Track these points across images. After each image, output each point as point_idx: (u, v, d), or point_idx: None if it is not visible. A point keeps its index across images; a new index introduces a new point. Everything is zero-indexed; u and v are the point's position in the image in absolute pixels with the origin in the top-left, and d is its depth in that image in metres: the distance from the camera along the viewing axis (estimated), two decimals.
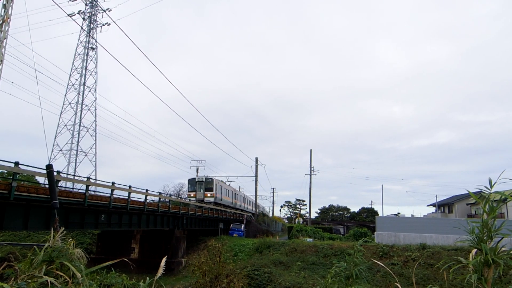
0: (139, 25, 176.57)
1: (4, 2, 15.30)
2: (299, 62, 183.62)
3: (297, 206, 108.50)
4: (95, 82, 46.09)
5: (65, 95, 44.46)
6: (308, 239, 36.85)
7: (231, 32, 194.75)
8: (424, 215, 63.22)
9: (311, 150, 63.36)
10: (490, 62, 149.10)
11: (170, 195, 50.54)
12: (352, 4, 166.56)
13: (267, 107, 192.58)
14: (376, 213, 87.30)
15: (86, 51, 45.50)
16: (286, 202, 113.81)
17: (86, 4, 44.41)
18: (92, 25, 45.01)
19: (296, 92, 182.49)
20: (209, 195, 42.07)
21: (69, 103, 43.75)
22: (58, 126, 44.38)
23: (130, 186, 21.86)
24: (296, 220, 62.35)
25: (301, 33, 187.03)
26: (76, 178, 19.43)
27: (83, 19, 44.29)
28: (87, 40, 45.32)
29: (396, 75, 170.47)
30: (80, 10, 44.25)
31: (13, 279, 3.60)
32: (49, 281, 3.49)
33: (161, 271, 5.45)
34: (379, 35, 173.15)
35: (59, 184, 17.13)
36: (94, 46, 45.82)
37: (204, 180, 43.48)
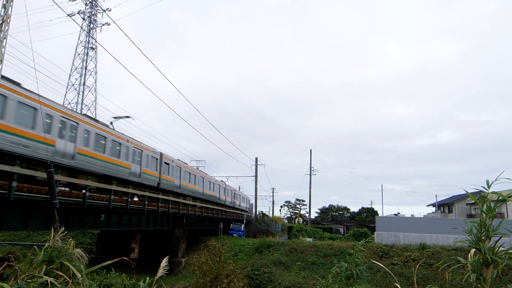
0: (142, 24, 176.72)
1: (4, 2, 15.29)
2: (302, 60, 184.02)
3: (297, 206, 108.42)
4: (95, 82, 46.10)
5: (65, 95, 44.46)
6: (308, 239, 36.86)
7: (234, 30, 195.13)
8: (424, 215, 63.18)
9: (311, 150, 63.40)
10: (494, 61, 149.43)
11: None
12: (356, 2, 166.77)
13: (269, 106, 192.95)
14: (376, 213, 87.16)
15: (86, 51, 45.49)
16: (286, 202, 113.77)
17: (86, 4, 44.39)
18: (92, 25, 44.99)
19: (298, 91, 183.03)
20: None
21: (69, 103, 43.73)
22: None
23: (130, 186, 21.86)
24: (296, 220, 62.32)
25: (304, 32, 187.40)
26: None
27: (83, 19, 44.27)
28: (87, 40, 45.30)
29: (400, 74, 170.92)
30: (80, 10, 44.25)
31: (13, 279, 3.61)
32: (49, 281, 3.50)
33: (161, 271, 5.44)
34: (383, 33, 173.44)
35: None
36: (94, 46, 45.81)
37: None
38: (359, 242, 6.32)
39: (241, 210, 54.08)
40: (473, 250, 3.40)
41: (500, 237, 3.34)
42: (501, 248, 3.28)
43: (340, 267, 6.09)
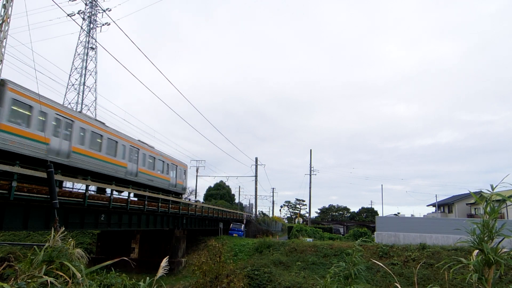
0: (142, 24, 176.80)
1: (4, 2, 15.28)
2: (302, 60, 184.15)
3: (297, 206, 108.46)
4: (95, 82, 46.13)
5: (65, 95, 44.50)
6: (308, 239, 36.86)
7: (234, 30, 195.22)
8: (424, 215, 63.20)
9: (311, 150, 63.36)
10: (494, 61, 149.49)
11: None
12: (356, 2, 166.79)
13: (269, 106, 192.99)
14: (376, 213, 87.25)
15: (86, 51, 45.52)
16: (286, 202, 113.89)
17: (86, 4, 44.41)
18: (92, 25, 45.02)
19: (298, 91, 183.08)
20: None
21: (69, 103, 43.74)
22: None
23: (130, 186, 21.85)
24: (296, 220, 62.33)
25: (305, 32, 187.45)
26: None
27: (83, 19, 44.29)
28: (87, 40, 45.32)
29: (400, 73, 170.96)
30: (80, 10, 44.28)
31: (13, 279, 3.59)
32: (49, 281, 3.48)
33: (161, 271, 5.43)
34: (383, 33, 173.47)
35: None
36: (94, 46, 45.82)
37: None
38: (356, 242, 6.31)
39: (154, 187, 26.98)
40: (476, 250, 3.39)
41: (503, 238, 3.33)
42: (504, 250, 3.27)
43: (338, 267, 6.09)
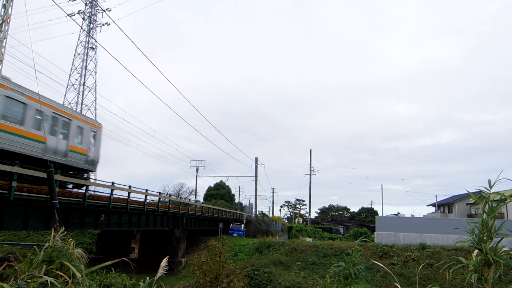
0: (142, 24, 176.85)
1: (4, 2, 15.28)
2: (303, 60, 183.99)
3: (297, 206, 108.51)
4: (95, 82, 46.09)
5: (65, 95, 44.45)
6: (308, 239, 36.87)
7: (234, 30, 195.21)
8: (424, 215, 63.23)
9: (311, 150, 63.43)
10: (494, 61, 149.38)
11: (170, 195, 50.57)
12: (357, 2, 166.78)
13: (270, 106, 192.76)
14: (376, 213, 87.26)
15: (86, 51, 45.49)
16: (286, 202, 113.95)
17: (86, 4, 44.40)
18: (92, 25, 45.00)
19: (298, 91, 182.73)
20: None
21: (69, 103, 43.72)
22: None
23: (130, 186, 21.84)
24: (296, 220, 62.34)
25: (305, 32, 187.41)
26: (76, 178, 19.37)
27: (83, 19, 44.28)
28: (87, 40, 45.31)
29: (400, 73, 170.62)
30: (80, 10, 44.25)
31: (13, 279, 3.60)
32: (49, 281, 3.49)
33: (161, 271, 5.43)
34: (383, 33, 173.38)
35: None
36: (94, 46, 45.82)
37: None
38: (356, 241, 6.31)
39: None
40: (476, 250, 3.40)
41: (502, 238, 3.33)
42: (504, 249, 3.27)
43: (338, 267, 6.09)
